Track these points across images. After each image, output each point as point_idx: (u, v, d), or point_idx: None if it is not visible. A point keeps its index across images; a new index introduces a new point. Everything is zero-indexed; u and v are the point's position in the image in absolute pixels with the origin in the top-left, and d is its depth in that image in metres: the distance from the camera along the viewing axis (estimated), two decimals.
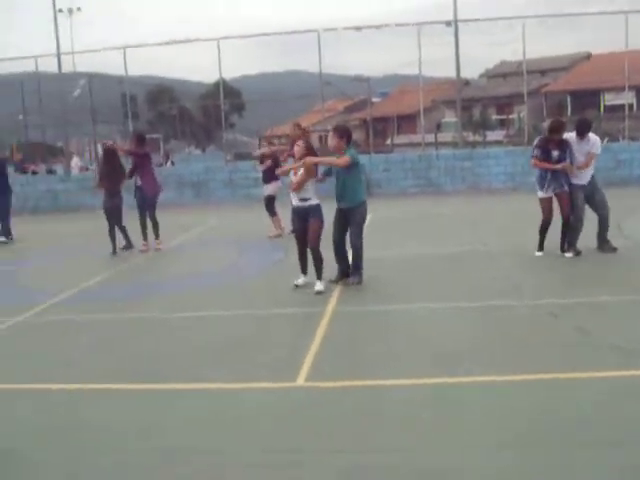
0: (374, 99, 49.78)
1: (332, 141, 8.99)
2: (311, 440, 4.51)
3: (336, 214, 9.06)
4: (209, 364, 6.28)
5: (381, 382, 5.47)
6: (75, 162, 28.30)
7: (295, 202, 8.95)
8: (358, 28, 23.85)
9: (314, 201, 8.84)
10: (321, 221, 8.86)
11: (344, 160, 8.78)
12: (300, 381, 5.61)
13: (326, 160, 9.05)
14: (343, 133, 9.01)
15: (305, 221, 8.87)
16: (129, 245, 13.43)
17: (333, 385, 5.47)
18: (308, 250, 8.94)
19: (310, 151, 8.96)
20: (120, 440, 4.70)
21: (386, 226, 14.50)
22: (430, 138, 34.18)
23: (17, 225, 16.73)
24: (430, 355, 6.09)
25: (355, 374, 5.69)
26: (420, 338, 6.65)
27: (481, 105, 48.56)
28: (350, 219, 9.00)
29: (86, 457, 4.46)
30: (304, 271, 9.04)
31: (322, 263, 8.88)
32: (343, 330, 7.17)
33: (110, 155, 13.42)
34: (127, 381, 5.89)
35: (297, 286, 8.98)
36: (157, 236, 13.26)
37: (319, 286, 8.76)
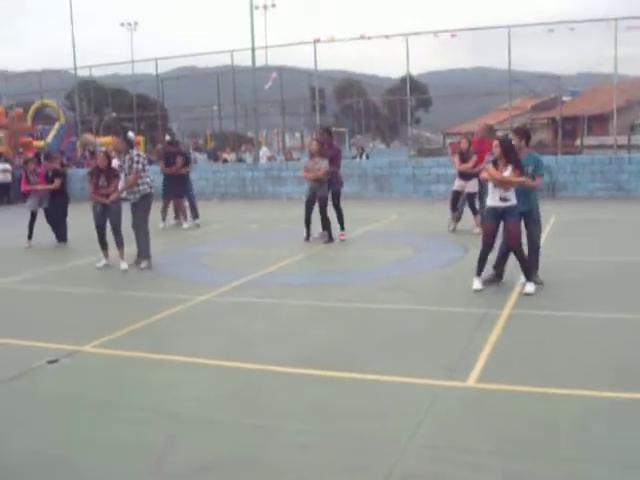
0: (564, 98, 47.96)
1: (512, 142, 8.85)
2: (478, 441, 4.49)
3: None
4: (380, 356, 6.38)
5: (555, 391, 5.31)
6: (263, 152, 29.31)
7: (494, 202, 8.71)
8: (550, 30, 23.07)
9: (513, 201, 8.68)
10: (520, 222, 8.72)
11: (537, 183, 8.79)
12: (471, 382, 5.58)
13: (530, 183, 8.76)
14: (522, 134, 8.91)
15: (498, 221, 8.72)
16: (329, 236, 13.51)
17: (505, 389, 5.40)
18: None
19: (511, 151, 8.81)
20: (287, 420, 4.91)
21: (571, 230, 14.04)
22: (623, 140, 32.55)
23: (207, 209, 17.59)
24: (609, 368, 5.84)
25: (529, 380, 5.57)
26: (600, 349, 6.39)
27: None
28: (530, 220, 8.84)
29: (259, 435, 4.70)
30: (480, 274, 8.91)
31: (528, 263, 8.69)
32: (519, 334, 7.04)
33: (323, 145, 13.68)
34: (298, 366, 6.10)
35: (478, 291, 8.78)
36: (342, 226, 13.58)
37: (530, 287, 8.55)
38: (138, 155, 11.32)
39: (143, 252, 11.20)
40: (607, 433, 4.54)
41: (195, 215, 16.91)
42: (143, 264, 11.13)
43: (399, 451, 4.35)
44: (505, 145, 8.75)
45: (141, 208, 11.20)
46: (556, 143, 29.29)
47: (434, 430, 4.67)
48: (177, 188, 16.70)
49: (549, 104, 48.87)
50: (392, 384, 5.60)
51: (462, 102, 44.44)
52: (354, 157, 26.28)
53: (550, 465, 4.12)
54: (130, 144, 11.49)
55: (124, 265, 11.17)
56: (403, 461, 4.22)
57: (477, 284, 8.82)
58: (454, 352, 6.38)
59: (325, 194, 13.40)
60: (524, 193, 8.71)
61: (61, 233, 14.46)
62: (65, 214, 14.54)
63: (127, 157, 11.21)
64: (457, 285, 9.23)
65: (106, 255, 11.47)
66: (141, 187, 11.12)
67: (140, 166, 11.10)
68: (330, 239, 13.40)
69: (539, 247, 8.83)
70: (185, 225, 16.78)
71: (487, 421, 4.83)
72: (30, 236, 14.22)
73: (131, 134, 11.77)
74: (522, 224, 8.80)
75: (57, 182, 14.26)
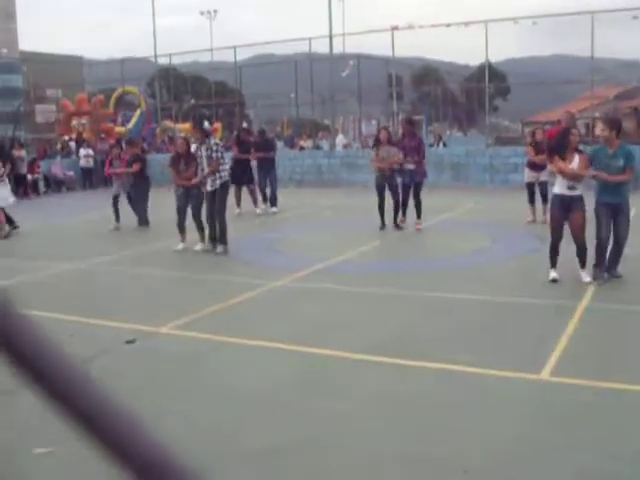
0: None
1: (602, 132, 8.68)
2: (549, 435, 4.44)
3: (602, 210, 8.66)
4: (453, 345, 6.36)
5: (633, 387, 5.21)
6: (340, 139, 29.34)
7: (562, 190, 8.62)
8: (635, 16, 22.35)
9: (579, 191, 8.56)
10: (585, 212, 8.57)
11: (627, 177, 8.53)
12: (545, 375, 5.51)
13: (612, 178, 8.60)
14: (613, 125, 8.65)
15: (565, 211, 8.60)
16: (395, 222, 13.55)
17: (579, 383, 5.31)
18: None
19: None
20: (364, 408, 4.95)
21: None
22: None
23: (283, 196, 17.70)
24: None
25: (604, 375, 5.48)
26: None
27: None
28: (619, 213, 8.62)
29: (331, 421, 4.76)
30: (555, 264, 8.78)
31: (585, 253, 8.60)
32: (596, 327, 6.92)
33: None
34: (370, 353, 6.13)
35: (554, 281, 8.67)
36: (419, 216, 13.56)
37: (587, 277, 8.52)
38: (216, 144, 11.55)
39: (221, 238, 11.41)
40: None
41: (273, 203, 16.97)
42: (219, 249, 11.33)
43: (465, 443, 4.35)
44: (580, 137, 8.70)
45: (221, 195, 11.40)
46: (639, 133, 28.45)
47: (504, 422, 4.64)
48: (247, 175, 16.74)
49: (632, 93, 47.48)
50: (463, 374, 5.58)
51: (541, 90, 43.53)
52: (431, 145, 26.03)
53: (622, 464, 4.06)
54: (206, 133, 11.77)
55: (198, 246, 11.56)
56: (468, 453, 4.22)
57: (553, 274, 8.71)
58: (528, 344, 6.32)
59: (396, 182, 13.43)
60: (614, 185, 8.54)
61: (142, 217, 14.83)
62: (146, 198, 14.89)
63: (204, 147, 11.42)
64: (533, 276, 9.11)
65: (184, 238, 11.76)
66: (222, 174, 11.35)
67: (219, 154, 11.32)
68: (397, 226, 13.48)
69: (625, 241, 8.62)
70: (258, 211, 16.87)
71: (558, 415, 4.77)
72: (117, 219, 14.59)
73: (207, 124, 12.12)
74: (609, 216, 8.60)
75: (135, 166, 14.61)
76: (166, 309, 7.95)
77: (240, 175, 16.43)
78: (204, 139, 11.53)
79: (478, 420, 4.65)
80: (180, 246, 11.72)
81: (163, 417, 4.84)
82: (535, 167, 13.97)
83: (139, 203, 14.84)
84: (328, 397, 5.16)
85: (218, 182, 11.32)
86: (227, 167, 11.64)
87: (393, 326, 7.07)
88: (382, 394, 5.19)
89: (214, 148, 11.36)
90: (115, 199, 14.74)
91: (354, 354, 6.12)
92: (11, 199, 14.66)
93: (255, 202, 17.06)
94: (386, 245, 12.39)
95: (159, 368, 6.04)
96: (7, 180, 14.80)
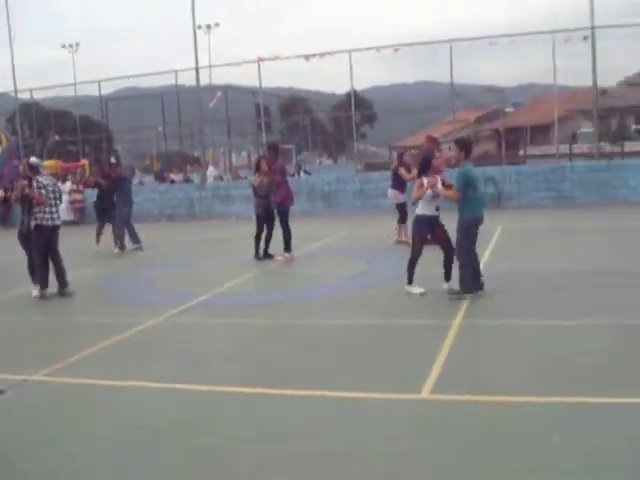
0: (507, 109, 48.87)
1: (452, 153, 9.29)
2: (434, 453, 4.50)
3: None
4: (334, 372, 6.36)
5: (509, 399, 5.35)
6: (210, 171, 29.21)
7: (429, 211, 9.29)
8: (492, 42, 23.35)
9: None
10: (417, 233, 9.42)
11: (455, 196, 8.94)
12: (425, 394, 5.58)
13: (444, 193, 9.16)
14: (463, 146, 9.18)
15: (429, 230, 9.38)
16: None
17: (458, 399, 5.41)
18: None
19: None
20: (243, 442, 4.86)
21: (516, 239, 14.25)
22: (565, 149, 33.15)
23: (154, 231, 17.41)
24: (562, 374, 5.91)
25: (482, 389, 5.61)
26: (551, 356, 6.46)
27: (619, 115, 46.56)
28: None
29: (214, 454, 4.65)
30: (411, 281, 9.44)
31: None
32: (471, 344, 7.07)
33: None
34: (253, 385, 6.05)
35: (422, 295, 9.26)
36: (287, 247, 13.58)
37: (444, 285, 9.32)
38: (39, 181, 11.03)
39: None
40: (563, 438, 4.57)
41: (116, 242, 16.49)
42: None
43: (347, 469, 4.33)
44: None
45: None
46: (500, 154, 29.70)
47: (386, 444, 4.65)
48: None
49: (492, 116, 49.68)
50: (344, 399, 5.58)
51: (406, 116, 44.87)
52: (292, 175, 26.42)
53: (508, 474, 4.15)
54: (35, 170, 11.22)
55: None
56: (352, 471, 4.21)
57: (420, 289, 9.33)
58: (406, 365, 6.39)
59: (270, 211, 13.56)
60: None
61: None
62: None
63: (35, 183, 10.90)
64: (409, 298, 9.28)
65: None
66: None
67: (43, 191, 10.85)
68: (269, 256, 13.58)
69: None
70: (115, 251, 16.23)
71: (441, 432, 4.83)
72: None
73: (33, 159, 11.48)
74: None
75: None
76: (37, 356, 7.58)
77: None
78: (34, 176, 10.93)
79: (362, 441, 4.64)
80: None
81: (37, 465, 4.60)
82: (403, 188, 14.32)
83: None
84: (207, 435, 5.02)
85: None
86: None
87: (271, 357, 7.01)
88: (264, 427, 5.11)
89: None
90: None
91: (232, 387, 6.02)
92: None
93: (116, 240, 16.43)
94: (262, 276, 12.34)
95: (31, 417, 5.72)
96: None
